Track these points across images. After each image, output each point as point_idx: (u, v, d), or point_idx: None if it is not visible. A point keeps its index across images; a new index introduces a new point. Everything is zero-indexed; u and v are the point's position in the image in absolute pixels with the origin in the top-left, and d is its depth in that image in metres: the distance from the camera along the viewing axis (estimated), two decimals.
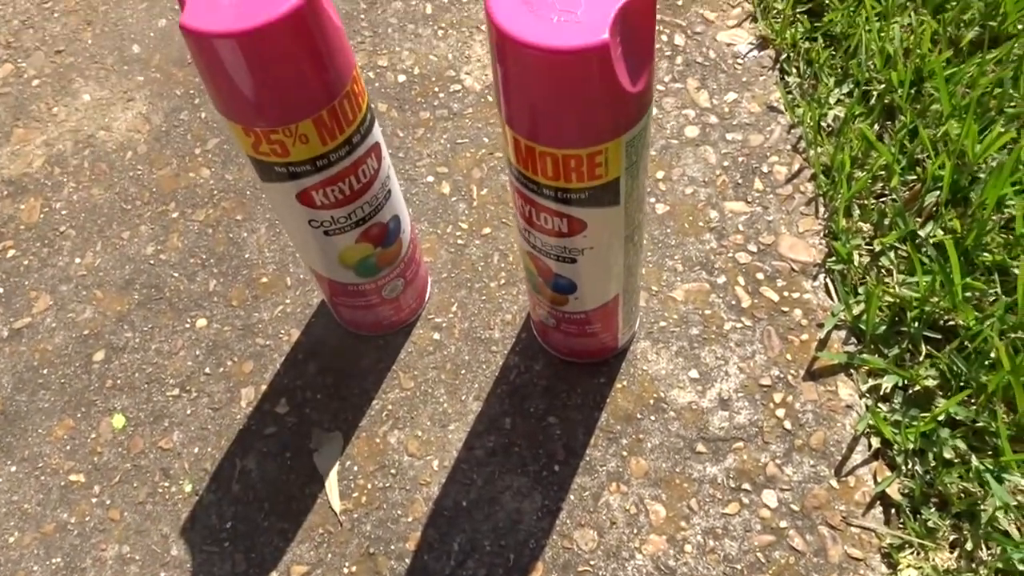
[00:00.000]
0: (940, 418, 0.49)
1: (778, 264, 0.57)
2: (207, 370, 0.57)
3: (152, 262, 0.63)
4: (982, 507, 0.46)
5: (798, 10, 0.69)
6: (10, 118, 0.73)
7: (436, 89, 0.69)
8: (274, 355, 0.57)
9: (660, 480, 0.50)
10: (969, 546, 0.46)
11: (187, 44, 0.36)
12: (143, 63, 0.75)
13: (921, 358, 0.51)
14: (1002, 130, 0.56)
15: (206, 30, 0.35)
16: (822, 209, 0.59)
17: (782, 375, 0.53)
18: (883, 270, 0.55)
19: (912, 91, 0.61)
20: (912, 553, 0.46)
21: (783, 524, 0.48)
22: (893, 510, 0.48)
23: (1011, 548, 0.44)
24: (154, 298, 0.61)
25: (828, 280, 0.56)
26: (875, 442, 0.50)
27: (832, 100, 0.63)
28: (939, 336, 0.52)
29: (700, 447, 0.51)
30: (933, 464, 0.48)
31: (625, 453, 0.51)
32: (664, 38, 0.69)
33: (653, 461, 0.51)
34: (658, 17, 0.70)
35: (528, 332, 0.56)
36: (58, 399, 0.57)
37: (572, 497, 0.50)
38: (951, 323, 0.52)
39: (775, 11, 0.69)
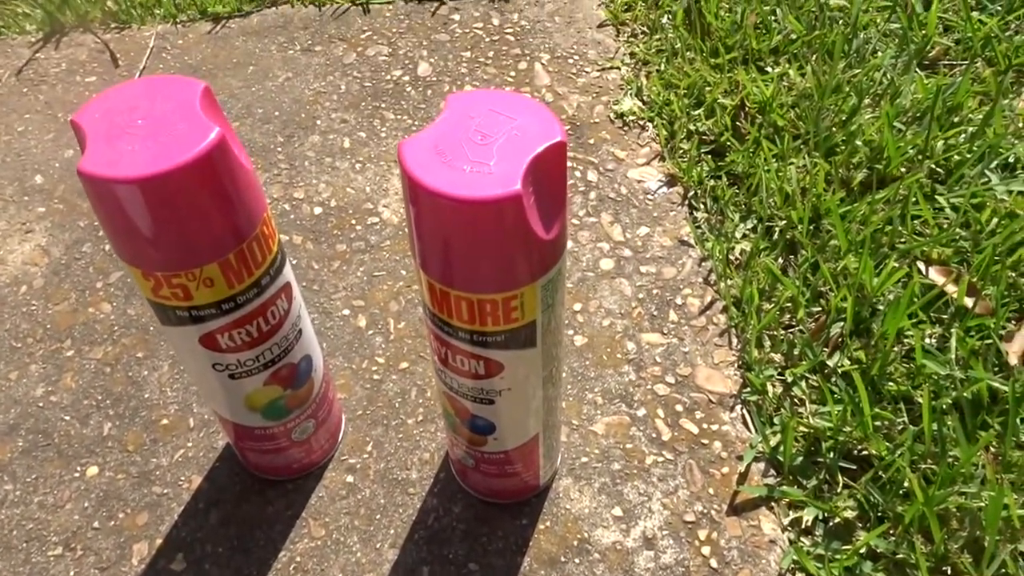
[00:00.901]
0: (862, 551, 0.49)
1: (696, 396, 0.57)
2: (96, 524, 0.52)
3: (41, 404, 0.58)
4: None
5: (702, 151, 0.72)
6: None
7: (353, 222, 0.69)
8: (172, 504, 0.53)
9: None
10: None
11: (85, 189, 0.35)
12: (46, 194, 0.73)
13: (839, 489, 0.52)
14: (896, 265, 0.59)
15: (106, 175, 0.34)
16: (735, 340, 0.60)
17: (705, 510, 0.52)
18: (796, 400, 0.56)
19: (811, 227, 0.65)
20: None
21: None
22: None
23: None
24: (40, 444, 0.56)
25: (744, 411, 0.56)
26: None
27: (738, 235, 0.66)
28: (854, 466, 0.52)
29: None
30: None
31: None
32: (578, 174, 0.72)
33: None
34: (571, 155, 0.73)
35: (447, 472, 0.54)
36: None
37: None
38: (864, 452, 0.53)
39: (681, 151, 0.73)
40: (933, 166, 0.68)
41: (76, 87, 0.83)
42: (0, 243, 0.69)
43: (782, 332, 0.60)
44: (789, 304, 0.61)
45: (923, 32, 0.80)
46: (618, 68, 0.82)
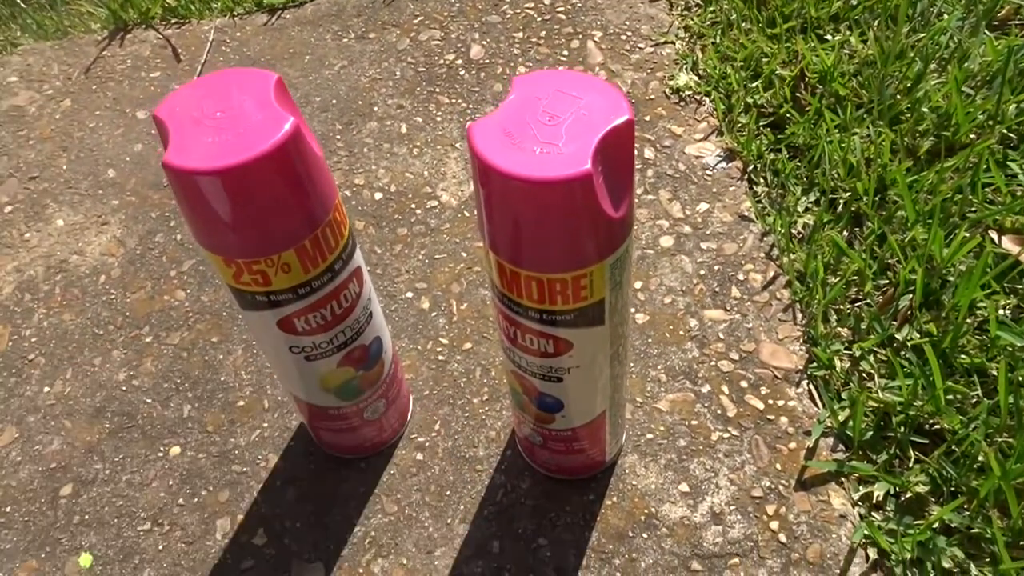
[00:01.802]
0: (935, 526, 0.48)
1: (760, 372, 0.57)
2: (180, 501, 0.55)
3: (124, 388, 0.61)
4: None
5: (761, 124, 0.71)
6: None
7: (413, 206, 0.70)
8: (251, 482, 0.55)
9: None
10: None
11: (170, 181, 0.37)
12: (118, 187, 0.75)
13: (911, 463, 0.51)
14: (967, 235, 0.58)
15: (190, 167, 0.35)
16: (799, 315, 0.60)
17: (773, 486, 0.52)
18: (864, 374, 0.55)
19: (877, 199, 0.63)
20: None
21: None
22: None
23: None
24: (126, 426, 0.59)
25: (811, 386, 0.56)
26: (872, 553, 0.49)
27: (801, 208, 0.65)
28: (926, 440, 0.52)
29: (695, 564, 0.49)
30: (932, 574, 0.47)
31: (619, 574, 0.49)
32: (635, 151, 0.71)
33: None
34: None
35: (513, 449, 0.55)
36: (21, 539, 0.54)
37: None
38: (936, 427, 0.52)
39: (739, 125, 0.72)
40: (1005, 131, 0.66)
41: (142, 82, 0.85)
42: (79, 235, 0.72)
43: (848, 306, 0.59)
44: (855, 277, 0.60)
45: None
46: (672, 42, 0.81)
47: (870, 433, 0.52)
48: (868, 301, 0.58)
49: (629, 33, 0.83)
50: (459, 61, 0.82)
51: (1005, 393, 0.50)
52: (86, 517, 0.55)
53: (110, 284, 0.68)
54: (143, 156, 0.78)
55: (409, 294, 0.64)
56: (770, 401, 0.55)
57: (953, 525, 0.48)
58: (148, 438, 0.58)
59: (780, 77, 0.73)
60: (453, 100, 0.79)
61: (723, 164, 0.70)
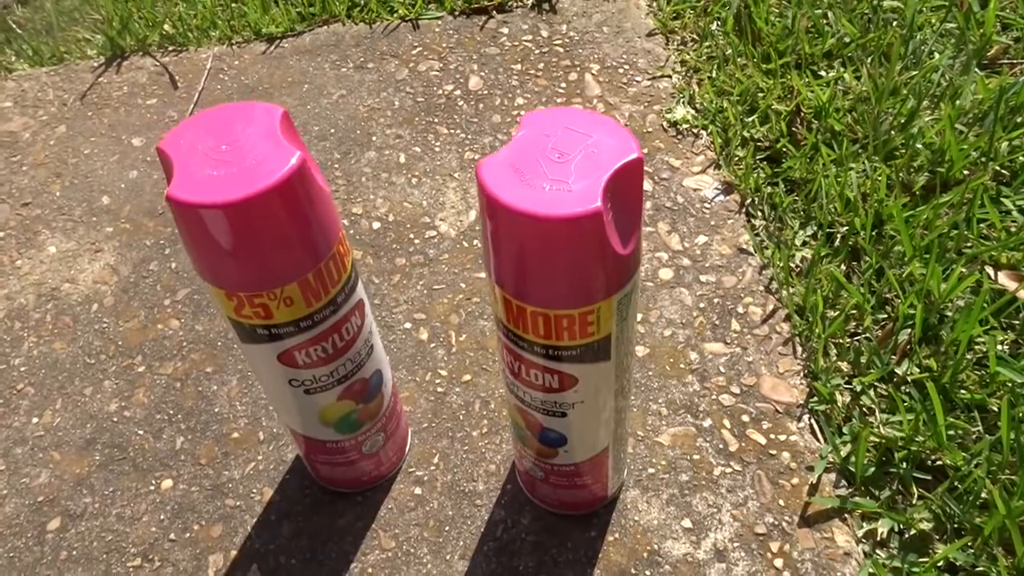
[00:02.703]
0: (939, 564, 0.48)
1: (762, 406, 0.57)
2: (172, 536, 0.54)
3: (115, 419, 0.60)
4: None
5: (758, 157, 0.72)
6: None
7: (411, 235, 0.70)
8: (245, 516, 0.54)
9: None
10: None
11: (173, 215, 0.36)
12: (112, 214, 0.75)
13: (914, 500, 0.51)
14: (964, 271, 0.58)
15: (195, 201, 0.35)
16: (799, 349, 0.60)
17: (776, 522, 0.51)
18: (865, 409, 0.55)
19: (874, 233, 0.64)
20: None
21: None
22: None
23: None
24: (116, 458, 0.58)
25: (812, 421, 0.56)
26: None
27: (799, 242, 0.65)
28: (928, 476, 0.52)
29: None
30: None
31: None
32: None
33: None
34: None
35: (513, 483, 0.54)
36: (6, 575, 0.53)
37: None
38: (939, 463, 0.52)
39: (736, 158, 0.72)
40: (997, 168, 0.67)
41: (138, 109, 0.85)
42: (71, 262, 0.71)
43: (848, 340, 0.59)
44: (854, 312, 0.60)
45: (981, 31, 0.79)
46: (669, 76, 0.82)
47: (872, 469, 0.52)
48: (868, 335, 0.58)
49: (626, 66, 0.84)
50: (458, 92, 0.83)
51: (1007, 429, 0.50)
52: (74, 553, 0.53)
53: (103, 312, 0.67)
54: (138, 183, 0.77)
55: (407, 325, 0.64)
56: (772, 436, 0.55)
57: (958, 563, 0.48)
58: (139, 470, 0.57)
59: (776, 112, 0.74)
60: (452, 130, 0.79)
61: (721, 197, 0.70)
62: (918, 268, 0.60)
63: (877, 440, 0.53)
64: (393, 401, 0.52)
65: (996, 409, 0.52)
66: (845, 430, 0.54)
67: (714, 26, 0.86)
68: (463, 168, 0.75)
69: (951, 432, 0.52)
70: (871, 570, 0.48)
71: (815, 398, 0.56)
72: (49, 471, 0.58)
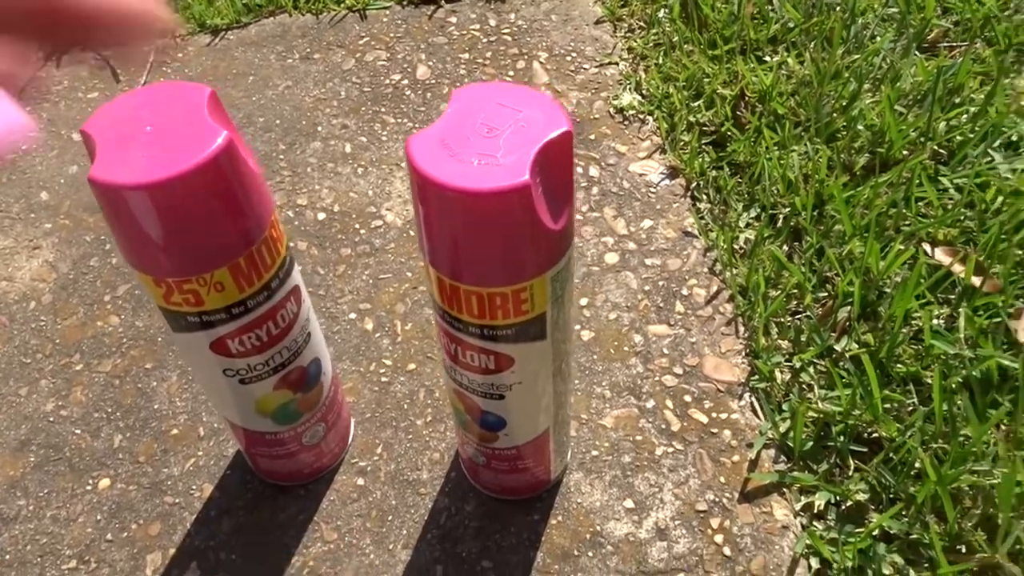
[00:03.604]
0: (875, 533, 0.49)
1: (704, 385, 0.57)
2: (109, 536, 0.53)
3: (51, 419, 0.59)
4: None
5: (703, 142, 0.72)
6: None
7: (357, 226, 0.69)
8: (184, 514, 0.53)
9: None
10: None
11: (96, 197, 0.35)
12: (52, 210, 0.73)
13: (850, 472, 0.52)
14: (901, 248, 0.59)
15: (117, 182, 0.34)
16: (742, 329, 0.60)
17: (717, 499, 0.52)
18: (804, 385, 0.56)
19: (815, 213, 0.65)
20: None
21: None
22: None
23: None
24: (52, 459, 0.57)
25: (753, 399, 0.56)
26: (815, 563, 0.49)
27: (742, 224, 0.65)
28: (865, 449, 0.52)
29: None
30: None
31: None
32: (580, 170, 0.72)
33: None
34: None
35: (457, 471, 0.54)
36: None
37: None
38: (875, 435, 0.53)
39: (682, 143, 0.73)
40: (936, 148, 0.68)
41: (79, 103, 0.83)
42: (8, 260, 0.69)
43: (789, 319, 0.59)
44: (795, 291, 0.61)
45: (921, 15, 0.80)
46: (616, 63, 0.82)
47: (810, 443, 0.53)
48: (808, 314, 0.59)
49: (574, 54, 0.84)
50: (405, 81, 0.82)
51: (940, 400, 0.51)
52: (7, 557, 0.52)
53: (40, 311, 0.66)
54: (78, 178, 0.76)
55: (352, 315, 0.63)
56: (713, 414, 0.56)
57: (892, 532, 0.48)
58: (76, 471, 0.56)
59: (721, 96, 0.75)
60: (399, 120, 0.78)
61: (666, 181, 0.70)
62: (858, 246, 0.61)
63: (815, 415, 0.54)
64: (334, 391, 0.51)
65: (930, 381, 0.53)
66: (785, 407, 0.55)
67: (661, 13, 0.86)
68: None
69: (887, 405, 0.53)
70: (808, 541, 0.49)
71: (756, 376, 0.57)
72: None
